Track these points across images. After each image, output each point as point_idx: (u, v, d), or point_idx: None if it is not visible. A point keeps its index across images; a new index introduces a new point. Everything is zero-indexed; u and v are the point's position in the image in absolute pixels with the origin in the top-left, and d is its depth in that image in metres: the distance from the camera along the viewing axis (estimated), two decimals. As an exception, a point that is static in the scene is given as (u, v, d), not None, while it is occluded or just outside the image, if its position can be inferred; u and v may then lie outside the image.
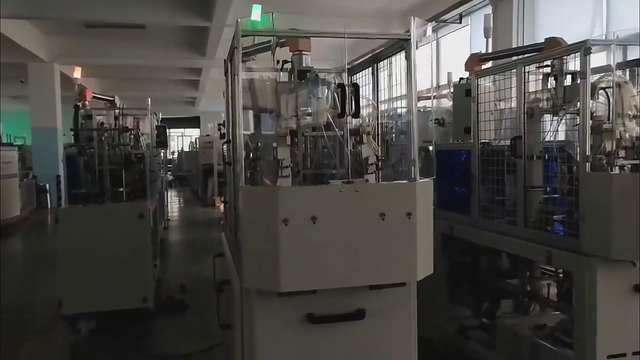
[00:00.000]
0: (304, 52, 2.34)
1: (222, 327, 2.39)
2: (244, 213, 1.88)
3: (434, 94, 4.79)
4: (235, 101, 2.08)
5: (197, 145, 16.11)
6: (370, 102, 2.17)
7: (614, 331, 2.39)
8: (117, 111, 4.94)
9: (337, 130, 2.14)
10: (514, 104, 2.97)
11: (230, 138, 2.20)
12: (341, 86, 2.07)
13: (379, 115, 2.48)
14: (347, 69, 2.69)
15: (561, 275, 3.12)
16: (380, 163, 2.17)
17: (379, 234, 1.87)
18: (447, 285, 3.72)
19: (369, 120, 2.36)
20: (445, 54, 9.69)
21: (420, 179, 2.05)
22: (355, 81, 2.56)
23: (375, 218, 1.86)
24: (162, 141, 7.95)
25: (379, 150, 2.51)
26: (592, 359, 2.39)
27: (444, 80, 6.66)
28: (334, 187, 1.87)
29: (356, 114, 2.10)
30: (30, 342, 4.20)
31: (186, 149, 21.37)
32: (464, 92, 3.46)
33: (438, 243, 3.59)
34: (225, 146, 2.67)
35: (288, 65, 2.42)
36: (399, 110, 2.82)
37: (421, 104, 4.99)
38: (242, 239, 1.90)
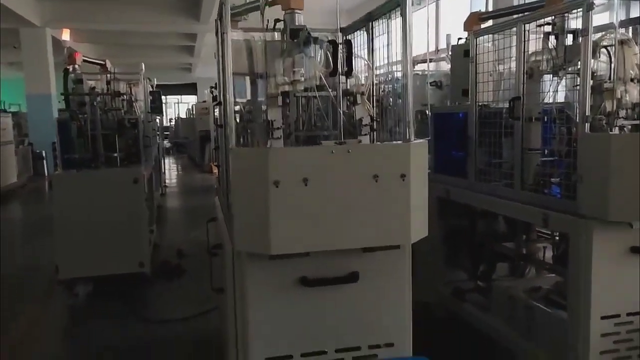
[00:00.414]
0: (296, 11, 2.26)
1: (215, 290, 2.38)
2: (234, 175, 1.84)
3: (432, 58, 4.68)
4: (225, 61, 2.01)
5: (194, 112, 15.97)
6: (365, 63, 2.09)
7: (609, 293, 2.39)
8: (108, 75, 4.84)
9: (329, 90, 2.08)
10: (513, 65, 2.90)
11: (221, 100, 2.14)
12: (333, 43, 2.00)
13: (374, 76, 2.41)
14: (342, 28, 2.61)
15: (557, 238, 3.10)
16: (374, 124, 2.11)
17: (372, 195, 1.83)
18: (443, 249, 3.71)
19: (364, 80, 2.29)
20: (446, 17, 9.48)
21: (414, 140, 2.01)
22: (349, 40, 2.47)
23: (369, 179, 1.82)
24: (157, 107, 7.85)
25: (374, 112, 2.45)
26: (586, 320, 2.39)
27: (443, 44, 6.52)
28: (325, 147, 1.83)
29: (349, 73, 2.03)
30: (29, 307, 4.23)
31: (183, 115, 21.19)
32: (462, 53, 3.37)
33: (434, 207, 3.56)
34: (216, 108, 2.61)
35: (281, 25, 2.34)
36: (395, 74, 2.75)
37: (419, 67, 4.91)
38: (233, 202, 1.86)
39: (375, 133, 2.20)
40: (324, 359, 2.04)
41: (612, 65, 2.44)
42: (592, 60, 2.39)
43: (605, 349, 2.42)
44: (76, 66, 4.60)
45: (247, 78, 2.45)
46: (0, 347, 3.43)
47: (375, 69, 2.50)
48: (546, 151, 2.84)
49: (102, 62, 5.21)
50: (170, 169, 15.02)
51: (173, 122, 22.70)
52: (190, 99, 24.73)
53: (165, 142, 17.92)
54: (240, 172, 1.83)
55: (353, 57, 2.02)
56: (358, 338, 2.06)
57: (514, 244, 3.43)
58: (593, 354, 2.40)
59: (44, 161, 12.48)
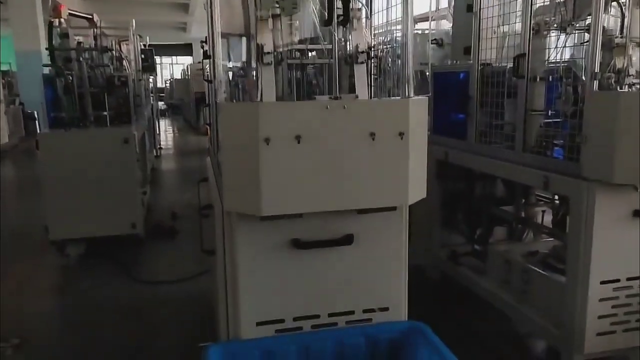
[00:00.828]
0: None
1: (205, 252, 2.31)
2: (222, 131, 1.73)
3: (433, 16, 4.50)
4: (214, 13, 1.88)
5: (189, 73, 15.65)
6: (362, 5, 1.94)
7: (609, 257, 2.33)
8: (96, 30, 4.65)
9: (323, 43, 1.96)
10: (518, 22, 2.76)
11: (210, 54, 2.01)
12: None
13: (372, 27, 2.27)
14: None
15: (557, 201, 3.03)
16: (371, 52, 1.96)
17: (368, 154, 1.73)
18: (440, 212, 3.65)
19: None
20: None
21: (414, 97, 1.90)
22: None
23: (365, 137, 1.71)
24: (149, 66, 7.65)
25: (372, 70, 2.34)
26: (585, 284, 2.34)
27: (445, 3, 6.29)
28: (319, 103, 1.71)
29: (345, 21, 1.90)
30: (19, 266, 4.19)
31: (178, 77, 20.81)
32: (465, 8, 3.22)
33: (432, 169, 3.49)
34: (206, 63, 2.48)
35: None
36: (394, 34, 2.62)
37: (420, 26, 4.73)
38: (222, 160, 1.76)
39: (372, 90, 2.09)
40: (317, 323, 1.98)
41: (625, 20, 2.31)
42: (603, 15, 2.26)
43: (603, 313, 2.38)
44: (62, 20, 4.40)
45: (241, 39, 2.33)
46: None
47: (374, 28, 2.37)
48: (550, 112, 2.74)
49: (89, 16, 5.00)
50: (166, 130, 14.84)
51: (168, 84, 22.32)
52: (186, 60, 24.24)
53: (160, 103, 17.67)
54: (229, 129, 1.72)
55: (350, 4, 1.88)
56: (352, 302, 2.01)
57: (512, 207, 3.36)
58: (590, 319, 2.36)
59: (36, 121, 12.26)
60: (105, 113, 4.54)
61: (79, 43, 4.51)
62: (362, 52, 1.93)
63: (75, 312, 3.42)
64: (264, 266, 1.90)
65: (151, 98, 8.64)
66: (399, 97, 1.98)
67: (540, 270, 2.76)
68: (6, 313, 3.27)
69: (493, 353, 2.77)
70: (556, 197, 3.03)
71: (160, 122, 13.40)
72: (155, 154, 9.30)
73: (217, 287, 1.96)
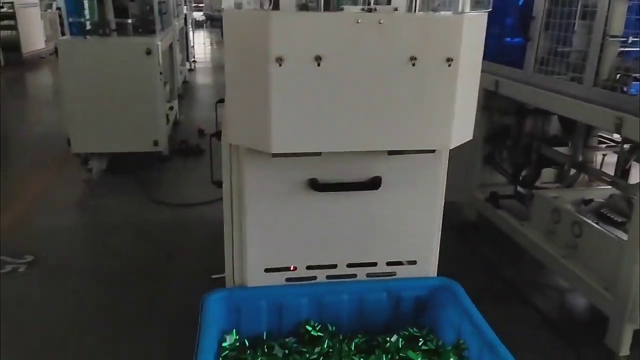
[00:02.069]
0: None
1: (215, 184, 2.07)
2: (227, 47, 1.42)
3: None
4: None
5: (228, -18, 14.90)
6: None
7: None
8: None
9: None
10: None
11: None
12: None
13: None
14: None
15: (626, 146, 2.64)
16: None
17: (406, 84, 1.40)
18: (483, 148, 3.30)
19: None
20: None
21: (469, 12, 1.52)
22: None
23: (403, 62, 1.37)
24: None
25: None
26: (649, 244, 2.02)
27: None
28: (348, 15, 1.37)
29: None
30: (43, 175, 4.12)
31: (218, -14, 19.96)
32: None
33: (478, 100, 3.11)
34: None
35: None
36: None
37: None
38: (227, 82, 1.46)
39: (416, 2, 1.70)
40: (333, 273, 1.75)
41: None
42: None
43: (665, 279, 2.07)
44: None
45: None
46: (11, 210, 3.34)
47: None
48: (631, 39, 2.28)
49: None
50: (203, 43, 14.41)
51: (207, -6, 21.50)
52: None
53: (198, 14, 17.08)
54: (235, 43, 1.40)
55: None
56: (375, 253, 1.76)
57: (568, 148, 2.98)
58: (650, 284, 2.06)
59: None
60: (129, 21, 4.23)
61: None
62: None
63: (91, 230, 3.32)
64: (275, 207, 1.65)
65: (184, 7, 8.18)
66: (449, 12, 1.60)
67: (593, 223, 2.43)
68: (21, 229, 3.20)
69: (528, 306, 2.53)
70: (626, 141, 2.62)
71: (197, 34, 12.98)
72: (188, 67, 9.00)
73: (224, 226, 1.73)
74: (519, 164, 3.27)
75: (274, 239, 1.68)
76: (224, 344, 1.59)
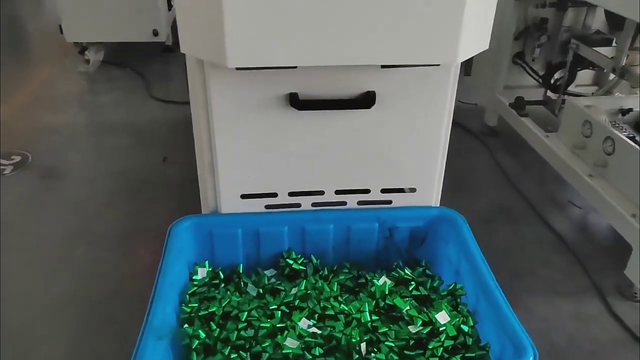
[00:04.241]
0: None
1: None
2: None
3: None
4: None
5: None
6: None
7: None
8: None
9: None
10: None
11: None
12: None
13: None
14: None
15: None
16: None
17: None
18: (512, 45, 2.91)
19: None
20: None
21: None
22: None
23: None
24: None
25: None
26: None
27: None
28: None
29: None
30: (34, 72, 3.90)
31: None
32: None
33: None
34: None
35: None
36: None
37: None
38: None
39: None
40: (320, 200, 1.55)
41: None
42: None
43: None
44: None
45: None
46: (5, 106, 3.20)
47: None
48: None
49: None
50: None
51: None
52: None
53: None
54: None
55: None
56: (367, 179, 1.53)
57: (610, 49, 2.58)
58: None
59: None
60: None
61: None
62: None
63: (86, 129, 3.15)
64: (248, 127, 1.40)
65: None
66: None
67: (629, 141, 2.13)
68: (11, 127, 3.04)
69: (546, 226, 2.32)
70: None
71: None
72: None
73: (195, 146, 1.51)
74: (552, 65, 2.89)
75: (250, 163, 1.46)
76: (194, 277, 1.45)
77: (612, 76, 2.66)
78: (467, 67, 3.25)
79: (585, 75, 2.95)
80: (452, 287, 1.39)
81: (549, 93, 2.88)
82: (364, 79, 1.34)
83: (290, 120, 1.39)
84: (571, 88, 2.85)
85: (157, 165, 2.66)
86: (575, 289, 1.98)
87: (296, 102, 1.34)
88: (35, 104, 3.37)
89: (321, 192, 1.54)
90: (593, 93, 2.85)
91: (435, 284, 1.46)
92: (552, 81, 2.87)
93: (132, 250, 2.02)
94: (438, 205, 1.59)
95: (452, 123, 1.45)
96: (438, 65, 1.25)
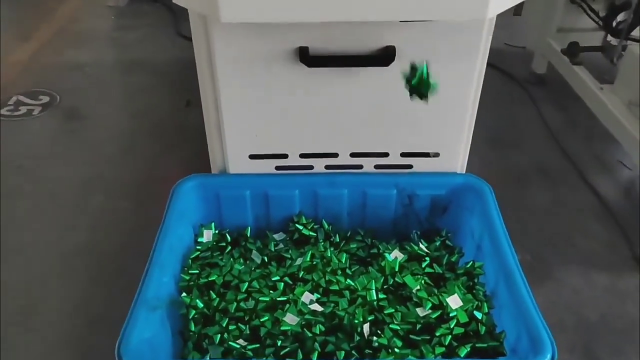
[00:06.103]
0: None
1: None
2: None
3: None
4: None
5: None
6: None
7: None
8: None
9: None
10: None
11: None
12: None
13: None
14: None
15: None
16: None
17: None
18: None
19: None
20: None
21: None
22: None
23: None
24: None
25: None
26: None
27: None
28: None
29: None
30: (68, 1, 3.81)
31: None
32: None
33: None
34: None
35: None
36: None
37: None
38: None
39: None
40: (334, 163, 1.44)
41: None
42: None
43: None
44: None
45: None
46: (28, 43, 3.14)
47: None
48: None
49: None
50: None
51: None
52: None
53: None
54: None
55: None
56: (386, 141, 1.41)
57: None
58: None
59: None
60: None
61: None
62: None
63: (110, 68, 3.08)
64: (256, 84, 1.29)
65: None
66: None
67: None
68: (37, 64, 3.00)
69: (588, 189, 2.13)
70: None
71: None
72: None
73: (202, 103, 1.41)
74: (615, 5, 2.57)
75: (258, 122, 1.36)
76: (199, 239, 1.39)
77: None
78: (517, 5, 2.94)
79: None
80: (470, 265, 1.28)
81: (609, 38, 2.58)
82: (382, 33, 1.19)
83: (300, 77, 1.26)
84: (635, 33, 2.54)
85: (180, 110, 2.58)
86: (614, 261, 1.83)
87: (306, 57, 1.21)
88: (61, 39, 3.30)
89: (335, 155, 1.43)
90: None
91: (453, 259, 1.35)
92: (614, 23, 2.56)
93: (149, 201, 1.98)
94: (464, 172, 1.45)
95: (494, 68, 1.28)
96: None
